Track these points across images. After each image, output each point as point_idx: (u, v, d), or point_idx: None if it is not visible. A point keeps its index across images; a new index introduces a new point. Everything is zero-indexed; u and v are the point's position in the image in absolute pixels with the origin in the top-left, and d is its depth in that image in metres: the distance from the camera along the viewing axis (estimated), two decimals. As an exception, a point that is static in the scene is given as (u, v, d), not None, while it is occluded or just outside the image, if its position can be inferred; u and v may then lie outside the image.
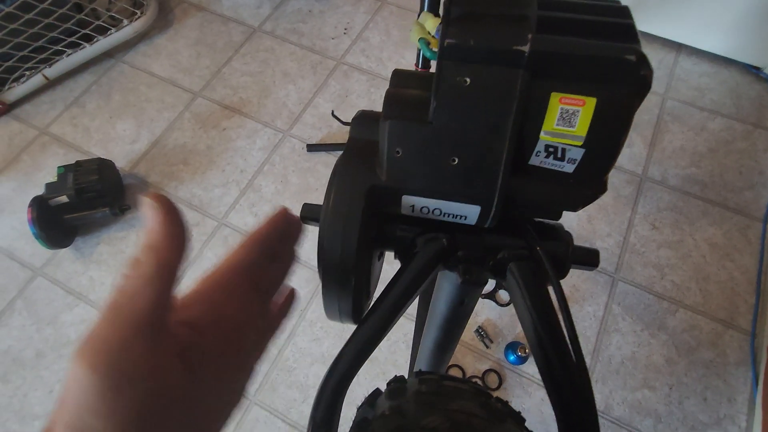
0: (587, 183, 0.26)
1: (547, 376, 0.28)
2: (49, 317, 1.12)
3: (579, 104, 0.23)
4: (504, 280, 0.31)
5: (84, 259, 1.18)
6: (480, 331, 1.08)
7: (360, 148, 0.27)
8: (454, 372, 1.04)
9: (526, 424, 0.34)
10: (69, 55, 1.39)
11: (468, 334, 1.09)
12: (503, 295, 1.12)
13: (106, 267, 1.17)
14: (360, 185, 0.26)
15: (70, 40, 1.38)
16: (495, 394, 1.04)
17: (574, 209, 0.27)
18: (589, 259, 0.32)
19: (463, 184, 0.25)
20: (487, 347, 1.07)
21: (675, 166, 1.30)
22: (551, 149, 0.25)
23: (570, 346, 0.28)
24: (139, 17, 1.45)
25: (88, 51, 1.41)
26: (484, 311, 1.11)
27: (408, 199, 0.27)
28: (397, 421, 0.29)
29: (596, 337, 1.08)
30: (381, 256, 0.35)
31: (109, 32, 1.42)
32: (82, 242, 1.20)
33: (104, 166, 1.18)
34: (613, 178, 1.28)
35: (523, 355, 1.04)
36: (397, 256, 0.33)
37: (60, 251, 1.18)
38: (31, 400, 1.03)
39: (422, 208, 0.27)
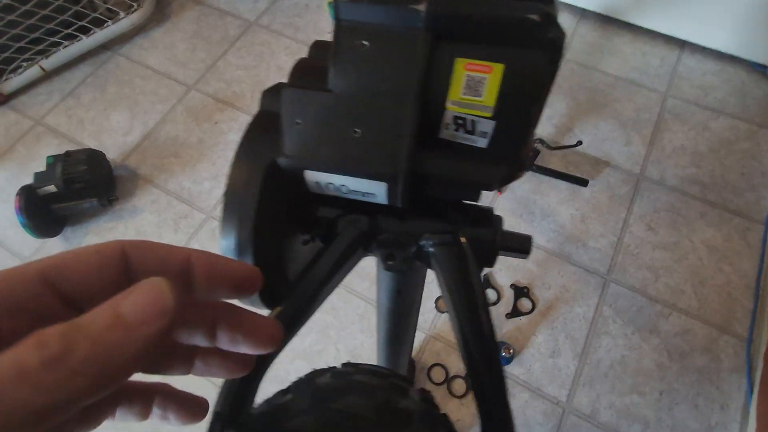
0: (504, 160, 0.24)
1: (467, 366, 0.27)
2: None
3: (485, 71, 0.22)
4: (429, 267, 0.30)
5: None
6: (465, 330, 1.05)
7: (267, 121, 0.26)
8: (437, 371, 1.02)
9: None
10: (66, 47, 1.40)
11: (453, 333, 1.07)
12: (490, 294, 1.10)
13: (93, 257, 1.18)
14: (259, 160, 0.24)
15: (67, 32, 1.39)
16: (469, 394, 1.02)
17: (489, 188, 0.25)
18: (519, 245, 0.30)
19: (366, 158, 0.24)
20: (472, 347, 1.05)
21: (674, 166, 1.26)
22: (460, 121, 0.23)
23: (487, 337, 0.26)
24: (135, 10, 1.45)
25: (85, 43, 1.42)
26: (470, 310, 1.09)
27: (311, 175, 0.25)
28: (266, 420, 0.28)
29: (585, 339, 1.05)
30: (312, 239, 0.33)
31: (105, 24, 1.43)
32: (71, 232, 1.21)
33: (94, 156, 1.19)
34: (609, 177, 1.25)
35: (508, 356, 1.01)
36: (319, 238, 0.31)
37: (48, 241, 1.19)
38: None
39: (328, 184, 0.26)
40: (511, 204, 1.23)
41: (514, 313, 1.08)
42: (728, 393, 0.98)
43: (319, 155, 0.24)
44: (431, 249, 0.29)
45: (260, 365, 0.28)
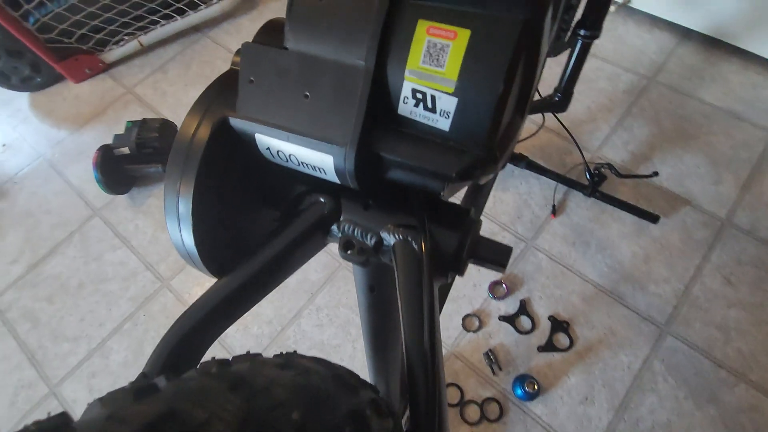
0: (468, 147, 0.20)
1: (406, 375, 0.23)
2: (96, 254, 1.23)
3: (449, 37, 0.18)
4: (388, 260, 0.26)
5: (135, 207, 1.29)
6: (489, 354, 0.98)
7: (231, 78, 0.24)
8: (451, 391, 0.96)
9: None
10: (163, 25, 1.54)
11: (476, 355, 1.00)
12: (524, 322, 1.02)
13: (151, 219, 1.27)
14: (210, 116, 0.23)
15: (165, 12, 1.52)
16: (493, 427, 0.94)
17: (448, 179, 0.21)
18: (493, 256, 0.26)
19: (314, 125, 0.21)
20: (494, 374, 0.97)
21: (771, 216, 1.08)
22: (419, 95, 0.20)
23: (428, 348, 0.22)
24: (227, -3, 1.55)
25: (179, 23, 1.55)
26: (499, 334, 1.01)
27: (262, 140, 0.23)
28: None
29: (626, 393, 0.93)
30: (282, 215, 0.31)
31: (199, 8, 1.55)
32: (137, 192, 1.31)
33: (166, 126, 1.28)
34: (686, 217, 1.10)
35: (532, 391, 0.92)
36: (282, 215, 0.29)
37: (117, 197, 1.30)
38: (65, 324, 1.14)
39: (278, 152, 0.23)
40: (565, 230, 1.12)
41: (548, 347, 0.98)
42: (799, 494, 0.82)
43: (267, 117, 0.22)
44: (392, 242, 0.25)
45: (197, 330, 0.26)
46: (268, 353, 1.05)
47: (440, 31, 0.18)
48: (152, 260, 1.21)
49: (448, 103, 0.19)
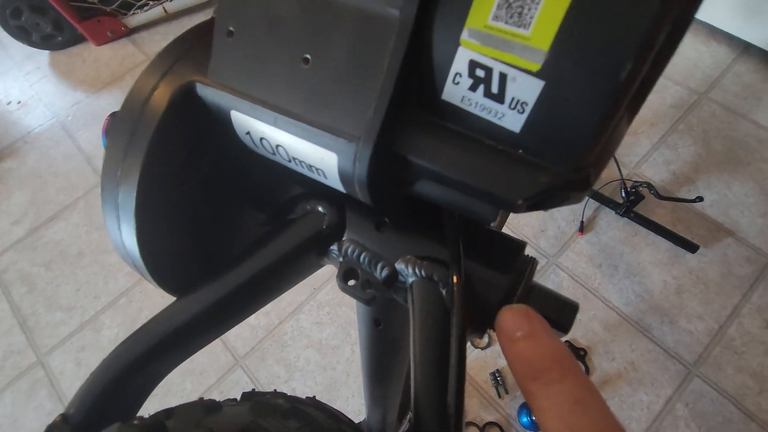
0: (548, 161, 0.13)
1: None
2: (99, 223, 1.19)
3: None
4: (402, 300, 0.19)
5: (143, 179, 1.25)
6: (497, 375, 0.91)
7: (210, 28, 0.17)
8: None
9: None
10: (190, -7, 1.48)
11: (482, 374, 0.93)
12: (538, 344, 0.94)
13: (158, 192, 1.22)
14: (171, 78, 0.16)
15: (193, -21, 1.46)
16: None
17: (512, 205, 0.14)
18: (555, 315, 0.18)
19: (314, 105, 0.14)
20: (500, 396, 0.90)
21: (825, 258, 0.98)
22: (480, 72, 0.12)
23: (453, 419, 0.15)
24: (258, -31, 1.49)
25: (206, -7, 1.49)
26: (509, 355, 0.94)
27: (240, 120, 0.16)
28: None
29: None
30: (269, 222, 0.24)
31: (228, -22, 1.48)
32: (146, 164, 1.27)
33: (182, 98, 1.23)
34: (728, 249, 1.00)
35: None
36: (270, 221, 0.22)
37: (126, 167, 1.26)
38: (60, 292, 1.11)
39: (262, 139, 0.17)
40: (592, 249, 1.04)
41: (561, 375, 0.91)
42: None
43: (248, 87, 0.15)
44: (410, 279, 0.18)
45: (138, 366, 0.20)
46: (263, 345, 1.00)
47: None
48: (154, 236, 1.16)
49: (527, 89, 0.12)
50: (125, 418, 0.21)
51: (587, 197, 1.07)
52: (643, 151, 1.15)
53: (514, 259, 0.18)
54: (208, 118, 0.17)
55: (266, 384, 0.97)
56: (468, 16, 0.12)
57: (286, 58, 0.14)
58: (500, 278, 0.18)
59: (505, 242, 0.19)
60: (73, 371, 1.02)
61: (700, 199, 1.01)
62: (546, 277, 1.02)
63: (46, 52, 1.50)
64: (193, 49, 0.17)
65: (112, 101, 1.39)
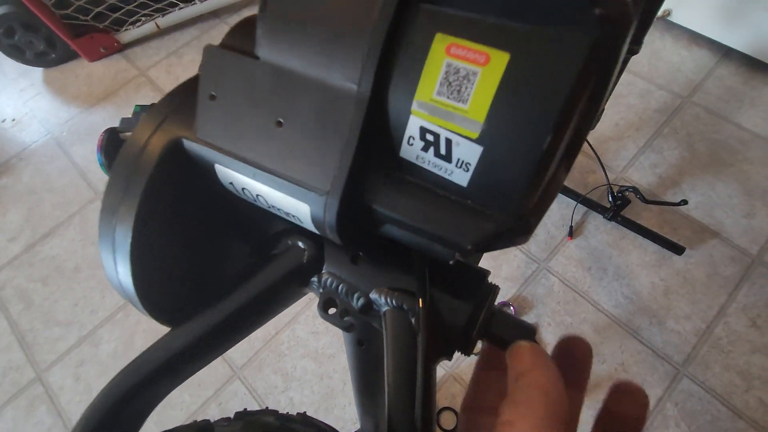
0: (492, 211, 0.15)
1: None
2: (95, 238, 1.21)
3: (478, 61, 0.13)
4: (378, 325, 0.21)
5: (138, 194, 1.26)
6: (490, 380, 0.93)
7: (193, 88, 0.19)
8: (447, 416, 0.91)
9: None
10: (181, 8, 1.50)
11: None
12: (530, 348, 0.96)
13: (153, 206, 1.24)
14: (163, 132, 0.18)
15: (185, -6, 1.48)
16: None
17: (462, 248, 0.16)
18: (512, 337, 0.20)
19: (288, 163, 0.16)
20: (494, 402, 0.92)
21: (807, 256, 1.01)
22: (430, 137, 0.14)
23: None
24: (248, -17, 1.51)
25: (198, 7, 1.51)
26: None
27: (223, 172, 0.18)
28: None
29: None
30: (255, 254, 0.26)
31: (219, -7, 1.50)
32: (141, 178, 1.28)
33: (175, 112, 1.24)
34: (714, 250, 1.03)
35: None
36: (255, 253, 0.24)
37: (121, 182, 1.27)
38: (58, 308, 1.12)
39: (243, 189, 0.18)
40: (582, 253, 1.06)
41: (554, 378, 0.92)
42: None
43: (229, 145, 0.17)
44: (384, 308, 0.20)
45: (136, 392, 0.21)
46: (260, 356, 1.02)
47: (466, 52, 0.13)
48: (150, 250, 1.17)
49: (469, 152, 0.14)
50: None
51: (576, 203, 1.09)
52: (630, 155, 1.18)
53: (476, 287, 0.20)
54: (194, 167, 0.19)
55: (264, 394, 0.98)
56: (416, 90, 0.14)
57: (262, 121, 0.16)
58: (463, 305, 0.20)
59: (469, 272, 0.21)
60: (72, 386, 1.03)
61: (685, 202, 1.04)
62: (537, 282, 1.04)
63: (40, 69, 1.52)
64: (181, 106, 0.19)
65: (106, 116, 1.40)
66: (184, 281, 0.22)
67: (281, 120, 0.16)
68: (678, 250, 1.02)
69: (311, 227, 0.18)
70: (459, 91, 0.13)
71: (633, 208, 1.08)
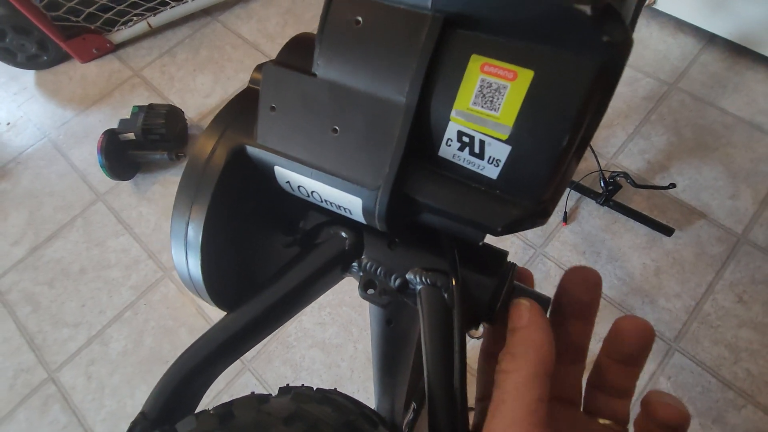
0: (517, 199, 0.18)
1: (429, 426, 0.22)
2: (99, 239, 1.22)
3: (507, 77, 0.16)
4: (413, 303, 0.24)
5: (139, 194, 1.27)
6: (493, 362, 0.97)
7: (249, 98, 0.22)
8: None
9: None
10: (173, 7, 1.50)
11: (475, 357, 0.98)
12: (530, 331, 1.00)
13: (155, 206, 1.25)
14: (225, 141, 0.21)
15: (176, -7, 1.48)
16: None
17: (491, 231, 0.19)
18: None
19: (342, 163, 0.19)
20: (497, 383, 0.96)
21: (789, 234, 1.06)
22: (466, 139, 0.17)
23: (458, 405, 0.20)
24: (239, -20, 1.51)
25: (189, 6, 1.51)
26: (503, 343, 1.00)
27: (281, 173, 0.21)
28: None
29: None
30: (294, 243, 0.29)
31: (210, -9, 1.50)
32: (141, 179, 1.29)
33: (173, 112, 1.25)
34: (701, 231, 1.07)
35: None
36: (298, 244, 0.27)
37: (121, 183, 1.28)
38: (65, 309, 1.13)
39: (299, 187, 0.21)
40: (576, 238, 1.10)
41: (553, 358, 0.97)
42: None
43: (289, 149, 0.20)
44: (419, 287, 0.23)
45: (201, 369, 0.24)
46: (268, 348, 1.04)
47: (497, 70, 0.16)
48: (155, 249, 1.19)
49: (499, 151, 0.17)
50: (189, 413, 0.25)
51: (569, 189, 1.13)
52: (619, 142, 1.22)
53: (498, 265, 0.23)
54: (254, 170, 0.22)
55: (274, 385, 1.01)
56: (455, 101, 0.17)
57: (319, 129, 0.19)
58: (488, 281, 0.23)
59: (491, 252, 0.24)
60: (85, 385, 1.05)
61: (673, 185, 1.08)
62: (534, 267, 1.08)
63: (32, 72, 1.51)
64: (239, 116, 0.21)
65: (103, 118, 1.40)
66: (238, 271, 0.25)
67: (336, 127, 0.19)
68: (667, 231, 1.06)
69: (360, 218, 0.21)
70: (491, 102, 0.16)
71: (624, 192, 1.12)
